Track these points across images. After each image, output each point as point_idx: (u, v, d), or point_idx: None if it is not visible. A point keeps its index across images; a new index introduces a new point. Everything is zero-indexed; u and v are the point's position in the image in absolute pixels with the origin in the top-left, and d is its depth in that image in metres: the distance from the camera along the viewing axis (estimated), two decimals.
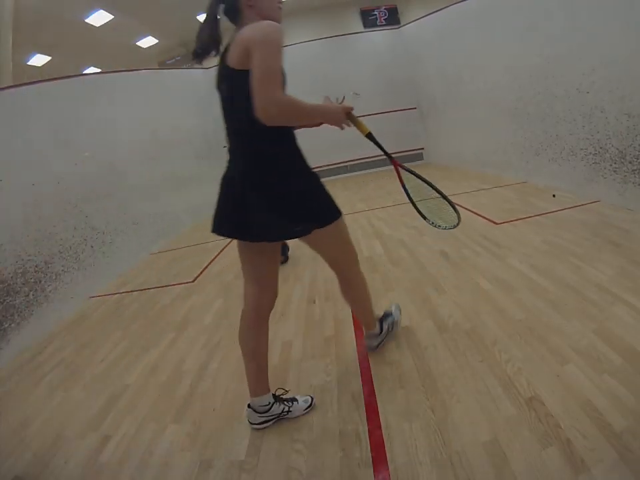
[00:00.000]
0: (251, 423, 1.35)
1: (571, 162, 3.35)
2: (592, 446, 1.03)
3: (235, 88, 1.10)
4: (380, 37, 6.91)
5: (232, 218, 1.20)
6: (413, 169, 1.50)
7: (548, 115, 3.53)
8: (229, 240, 4.23)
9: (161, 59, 9.58)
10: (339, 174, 7.03)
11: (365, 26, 8.92)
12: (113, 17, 7.05)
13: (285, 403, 1.36)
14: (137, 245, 4.25)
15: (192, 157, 5.77)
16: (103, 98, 4.21)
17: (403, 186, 1.54)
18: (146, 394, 1.71)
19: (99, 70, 8.21)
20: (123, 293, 3.22)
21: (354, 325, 1.92)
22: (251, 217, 1.15)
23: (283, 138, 1.17)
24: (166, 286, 3.16)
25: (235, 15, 1.15)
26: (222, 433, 1.38)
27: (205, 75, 6.85)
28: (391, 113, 6.72)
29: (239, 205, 1.16)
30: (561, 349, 1.44)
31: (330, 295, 2.32)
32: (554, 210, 3.03)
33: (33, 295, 2.82)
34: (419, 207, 1.53)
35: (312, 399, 1.41)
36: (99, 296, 3.27)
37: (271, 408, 1.32)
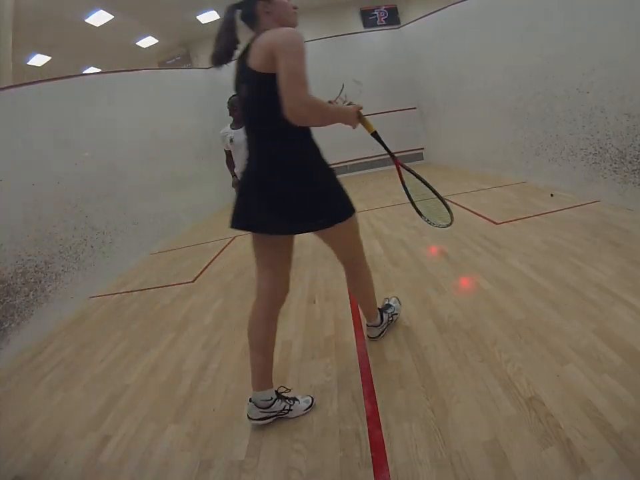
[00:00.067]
0: (250, 418, 1.34)
1: (571, 162, 3.35)
2: (592, 446, 1.03)
3: (256, 89, 1.17)
4: (380, 36, 6.92)
5: (256, 212, 1.23)
6: (412, 169, 1.56)
7: (548, 115, 3.53)
8: (229, 240, 4.25)
9: (161, 59, 9.59)
10: (339, 174, 6.90)
11: (365, 26, 8.92)
12: (113, 16, 7.06)
13: (287, 400, 1.37)
14: (137, 245, 4.25)
15: (192, 156, 5.78)
16: (103, 98, 4.21)
17: (404, 185, 1.59)
18: (146, 394, 1.71)
19: (99, 70, 8.21)
20: (123, 292, 3.22)
21: (354, 325, 1.92)
22: (277, 211, 1.20)
23: (304, 137, 1.23)
24: (166, 286, 3.16)
25: (253, 21, 1.22)
26: (222, 432, 1.38)
27: (205, 75, 6.86)
28: (390, 113, 6.72)
29: (264, 199, 1.20)
30: (561, 348, 1.44)
31: (330, 295, 2.32)
32: (554, 210, 3.03)
33: (33, 295, 2.82)
34: (417, 206, 1.59)
35: (312, 399, 1.41)
36: (98, 296, 3.27)
37: (272, 404, 1.33)
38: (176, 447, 1.35)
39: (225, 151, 2.95)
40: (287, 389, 1.42)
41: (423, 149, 7.03)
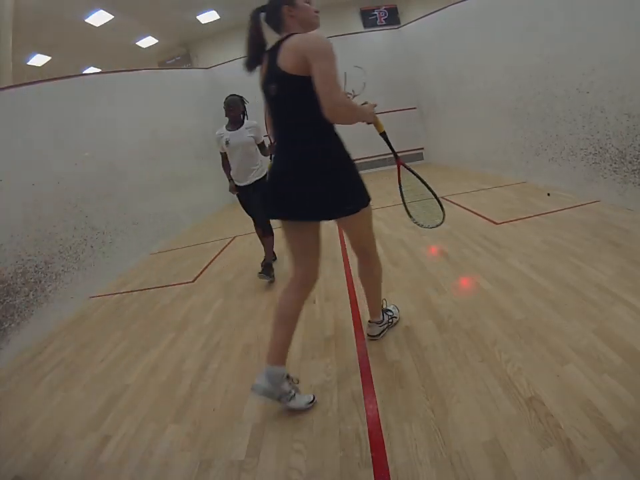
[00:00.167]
0: (255, 390, 1.34)
1: (571, 162, 3.35)
2: (592, 446, 1.03)
3: (288, 89, 1.26)
4: (380, 37, 6.91)
5: (293, 201, 1.32)
6: (413, 170, 1.63)
7: (548, 115, 3.53)
8: (229, 240, 4.25)
9: (161, 59, 9.59)
10: None
11: (365, 26, 8.92)
12: (113, 16, 7.06)
13: (293, 386, 1.40)
14: (137, 245, 4.25)
15: (192, 156, 5.78)
16: (103, 98, 4.22)
17: (400, 186, 1.66)
18: (146, 394, 1.71)
19: (99, 70, 8.21)
20: (123, 292, 3.22)
21: (354, 325, 1.92)
22: (312, 199, 1.29)
23: (331, 132, 1.33)
24: (166, 286, 3.16)
25: (278, 23, 1.31)
26: (222, 432, 1.38)
27: (205, 75, 6.87)
28: (390, 113, 6.70)
29: (300, 189, 1.29)
30: (561, 348, 1.44)
31: (330, 295, 2.32)
32: (554, 210, 3.03)
33: (33, 295, 2.82)
34: (412, 207, 1.68)
35: (314, 397, 1.42)
36: (99, 296, 3.27)
37: (282, 382, 1.36)
38: (176, 447, 1.35)
39: (221, 153, 2.81)
40: (297, 380, 1.45)
41: (422, 149, 7.03)
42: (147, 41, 8.81)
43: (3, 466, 1.43)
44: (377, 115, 1.47)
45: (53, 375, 2.07)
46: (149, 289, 3.18)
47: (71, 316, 2.94)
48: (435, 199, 1.63)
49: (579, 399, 1.19)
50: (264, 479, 1.17)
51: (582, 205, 3.01)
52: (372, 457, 1.16)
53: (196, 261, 3.70)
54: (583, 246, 2.29)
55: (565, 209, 3.00)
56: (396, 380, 1.47)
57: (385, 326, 1.76)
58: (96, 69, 8.57)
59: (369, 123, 1.46)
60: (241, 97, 2.70)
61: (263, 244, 2.86)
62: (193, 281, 3.13)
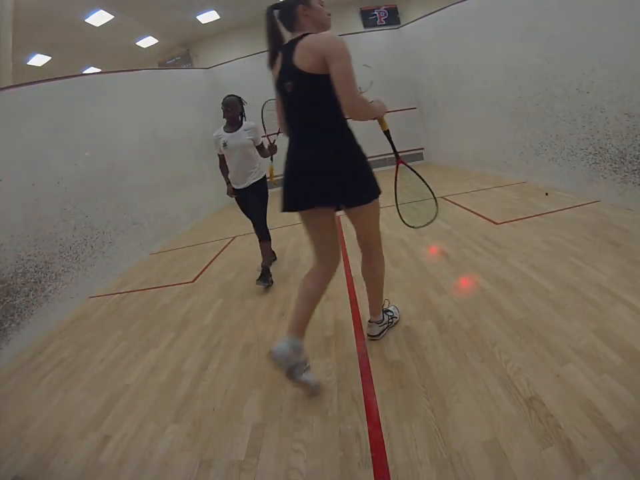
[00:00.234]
0: (272, 351, 1.37)
1: (571, 162, 3.35)
2: (592, 446, 1.03)
3: (305, 87, 1.32)
4: (380, 36, 6.91)
5: (313, 191, 1.39)
6: (413, 169, 1.65)
7: (548, 115, 3.53)
8: (229, 240, 4.25)
9: (161, 59, 9.59)
10: None
11: (365, 26, 8.93)
12: (113, 17, 7.06)
13: (306, 359, 1.45)
14: (137, 245, 4.25)
15: (192, 157, 5.78)
16: (103, 98, 4.22)
17: (395, 185, 1.69)
18: (146, 394, 1.71)
19: (99, 70, 8.21)
20: (123, 293, 3.22)
21: (354, 325, 1.92)
22: (331, 187, 1.37)
23: (345, 126, 1.40)
24: (166, 286, 3.16)
25: (292, 22, 1.36)
26: (222, 433, 1.38)
27: (205, 75, 6.87)
28: (390, 113, 6.68)
29: (319, 180, 1.36)
30: (561, 348, 1.44)
31: (330, 295, 2.31)
32: (554, 210, 3.03)
33: (33, 295, 2.82)
34: (408, 207, 1.70)
35: (319, 385, 1.48)
36: (98, 296, 3.27)
37: (299, 352, 1.40)
38: (176, 447, 1.36)
39: (218, 155, 2.73)
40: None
41: (422, 149, 7.03)
42: (147, 41, 8.81)
43: (3, 466, 1.43)
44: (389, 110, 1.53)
45: (52, 374, 2.07)
46: (149, 289, 3.18)
47: (70, 316, 2.94)
48: (433, 199, 1.64)
49: (578, 399, 1.19)
50: (264, 479, 1.17)
51: (582, 205, 3.01)
52: (372, 456, 1.16)
53: (196, 260, 3.71)
54: (583, 246, 2.29)
55: (565, 208, 3.00)
56: (396, 380, 1.47)
57: (385, 326, 1.76)
58: (96, 68, 8.57)
59: (376, 119, 1.51)
60: (239, 97, 2.66)
61: (261, 248, 2.79)
62: (193, 281, 3.13)
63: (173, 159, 5.34)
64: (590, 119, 3.01)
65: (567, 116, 3.26)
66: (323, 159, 1.36)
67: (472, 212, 3.42)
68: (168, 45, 9.22)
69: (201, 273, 3.31)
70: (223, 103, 2.59)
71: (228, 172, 2.73)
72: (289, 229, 4.18)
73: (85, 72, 7.92)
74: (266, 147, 2.69)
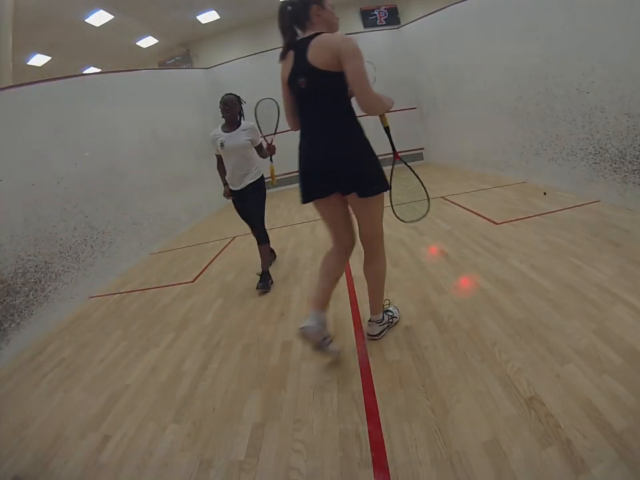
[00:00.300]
0: (304, 328, 1.48)
1: (571, 162, 3.35)
2: (592, 446, 1.03)
3: (317, 83, 1.39)
4: (380, 36, 6.91)
5: (325, 181, 1.48)
6: (407, 163, 1.72)
7: (548, 115, 3.53)
8: (229, 240, 4.25)
9: (161, 59, 9.60)
10: None
11: (365, 26, 8.93)
12: (113, 17, 7.06)
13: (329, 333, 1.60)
14: (137, 245, 4.25)
15: (192, 157, 5.78)
16: (103, 98, 4.22)
17: (390, 179, 1.71)
18: (146, 394, 1.71)
19: (99, 70, 8.21)
20: (123, 293, 3.22)
21: (354, 325, 1.92)
22: (342, 177, 1.45)
23: (356, 121, 1.47)
24: (166, 286, 3.16)
25: (304, 20, 1.42)
26: (222, 433, 1.38)
27: (205, 75, 6.86)
28: (390, 113, 6.70)
29: (330, 169, 1.45)
30: (561, 348, 1.45)
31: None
32: (554, 210, 3.03)
33: (33, 295, 2.83)
34: (406, 200, 1.77)
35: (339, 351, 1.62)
36: (98, 296, 3.27)
37: (325, 326, 1.54)
38: (176, 447, 1.36)
39: (216, 155, 2.67)
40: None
41: (422, 149, 7.03)
42: (147, 41, 8.81)
43: (3, 466, 1.43)
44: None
45: (53, 374, 2.07)
46: (148, 289, 3.18)
47: (70, 316, 2.94)
48: (424, 192, 1.70)
49: (578, 399, 1.19)
50: (264, 479, 1.17)
51: (582, 205, 3.01)
52: (372, 456, 1.16)
53: (196, 261, 3.71)
54: (583, 246, 2.29)
55: (565, 209, 3.00)
56: (396, 380, 1.47)
57: (385, 326, 1.76)
58: (96, 68, 8.58)
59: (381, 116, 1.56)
60: (238, 96, 2.60)
61: (259, 251, 2.69)
62: (193, 281, 3.13)
63: (173, 159, 5.34)
64: (590, 119, 3.01)
65: (567, 116, 3.26)
66: (336, 151, 1.43)
67: (472, 212, 3.42)
68: (168, 44, 9.23)
69: (201, 273, 3.31)
70: (221, 102, 2.53)
71: (225, 173, 2.67)
72: (288, 229, 4.18)
73: (84, 72, 7.92)
74: (264, 147, 2.63)
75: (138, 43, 8.74)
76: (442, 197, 4.16)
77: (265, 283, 2.57)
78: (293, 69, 1.43)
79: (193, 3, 7.47)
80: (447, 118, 5.87)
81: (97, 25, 7.14)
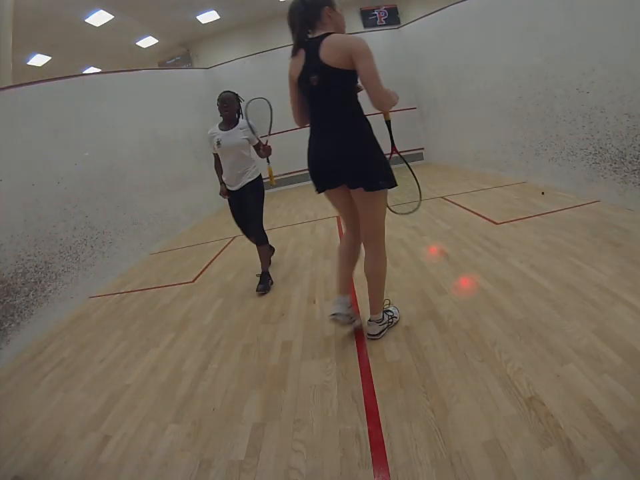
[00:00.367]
0: (337, 315, 1.68)
1: (571, 162, 3.35)
2: (592, 446, 1.03)
3: (330, 80, 1.45)
4: (380, 36, 6.91)
5: (335, 173, 1.55)
6: (403, 157, 1.79)
7: (548, 115, 3.53)
8: (229, 240, 4.24)
9: (161, 59, 9.59)
10: None
11: (365, 26, 8.93)
12: (113, 17, 7.06)
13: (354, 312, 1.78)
14: (137, 245, 4.25)
15: (192, 157, 5.77)
16: (103, 98, 4.22)
17: None
18: (146, 394, 1.71)
19: (99, 70, 8.21)
20: (123, 293, 3.22)
21: None
22: (351, 171, 1.50)
23: (364, 116, 1.54)
24: (166, 286, 3.16)
25: (315, 19, 1.47)
26: (222, 432, 1.38)
27: (205, 75, 6.86)
28: (391, 113, 6.71)
29: (340, 164, 1.51)
30: (561, 348, 1.45)
31: (330, 295, 2.32)
32: (554, 210, 3.03)
33: (33, 295, 2.83)
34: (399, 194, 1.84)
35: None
36: (98, 296, 3.27)
37: (351, 307, 1.72)
38: (176, 447, 1.36)
39: (213, 153, 2.63)
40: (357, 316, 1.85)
41: (422, 149, 7.03)
42: (147, 41, 8.81)
43: (3, 466, 1.43)
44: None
45: (53, 374, 2.07)
46: (148, 289, 3.18)
47: (70, 316, 2.94)
48: (417, 185, 1.78)
49: (578, 399, 1.19)
50: (264, 479, 1.17)
51: (582, 205, 3.01)
52: (372, 456, 1.16)
53: (196, 261, 3.71)
54: (583, 246, 2.29)
55: (565, 209, 3.00)
56: (396, 380, 1.47)
57: (385, 325, 1.76)
58: (96, 68, 8.58)
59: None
60: (236, 93, 2.55)
61: (258, 252, 2.64)
62: (193, 281, 3.13)
63: (173, 159, 5.34)
64: (590, 119, 3.01)
65: (567, 116, 3.26)
66: (344, 148, 1.49)
67: (472, 212, 3.42)
68: (168, 44, 9.23)
69: (201, 273, 3.31)
70: (218, 99, 2.48)
71: (222, 172, 2.62)
72: (288, 228, 4.18)
73: (85, 72, 7.92)
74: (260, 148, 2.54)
75: (138, 43, 8.74)
76: (442, 197, 4.16)
77: (265, 284, 2.57)
78: (305, 67, 1.47)
79: (193, 2, 7.46)
80: (447, 118, 5.87)
81: (97, 25, 7.14)
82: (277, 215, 5.03)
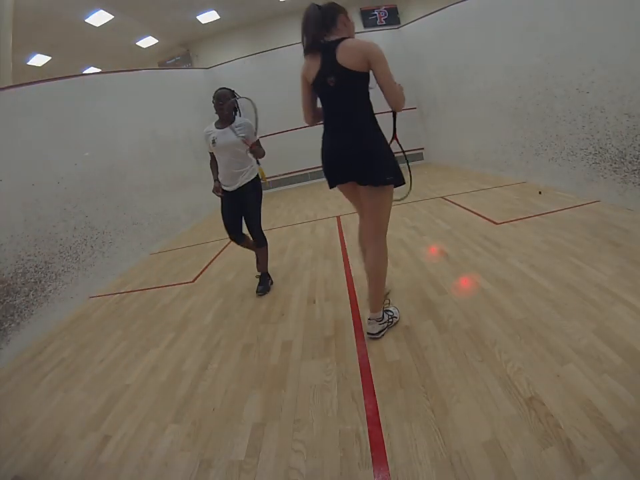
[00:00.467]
0: (373, 335, 1.73)
1: (571, 162, 3.35)
2: (592, 446, 1.03)
3: (346, 82, 1.53)
4: (380, 36, 6.90)
5: (348, 169, 1.63)
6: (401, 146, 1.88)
7: (548, 115, 3.53)
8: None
9: (161, 59, 9.59)
10: None
11: (365, 26, 8.93)
12: (113, 17, 7.05)
13: (387, 311, 1.81)
14: (137, 245, 4.25)
15: (192, 157, 5.77)
16: (103, 98, 4.21)
17: None
18: (146, 394, 1.71)
19: (99, 70, 8.21)
20: (123, 293, 3.22)
21: (354, 325, 1.92)
22: (362, 166, 1.58)
23: (374, 118, 1.61)
24: (166, 286, 3.16)
25: (330, 25, 1.56)
26: (222, 432, 1.38)
27: (205, 75, 6.86)
28: (390, 113, 6.72)
29: (352, 159, 1.58)
30: (561, 348, 1.45)
31: (330, 295, 2.32)
32: (554, 210, 3.03)
33: (33, 295, 2.82)
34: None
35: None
36: (98, 296, 3.27)
37: (383, 318, 1.75)
38: (176, 447, 1.36)
39: (210, 152, 2.51)
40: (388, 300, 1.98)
41: (422, 148, 7.03)
42: (147, 41, 8.80)
43: (3, 466, 1.43)
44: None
45: (53, 374, 2.07)
46: (149, 289, 3.18)
47: (70, 316, 2.94)
48: (408, 172, 1.86)
49: (578, 399, 1.19)
50: (264, 479, 1.17)
51: (582, 205, 3.01)
52: (372, 456, 1.16)
53: (196, 261, 3.71)
54: (583, 246, 2.29)
55: (565, 208, 3.00)
56: (396, 380, 1.47)
57: (385, 325, 1.76)
58: (96, 68, 8.57)
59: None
60: (232, 90, 2.44)
61: (256, 254, 2.60)
62: (193, 281, 3.13)
63: (173, 159, 5.34)
64: (590, 119, 3.01)
65: (567, 116, 3.26)
66: (357, 143, 1.57)
67: (472, 212, 3.42)
68: (168, 44, 9.22)
69: (201, 272, 3.31)
70: (214, 97, 2.36)
71: (217, 170, 2.51)
72: (288, 229, 4.18)
73: (85, 72, 7.92)
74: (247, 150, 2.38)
75: (138, 43, 8.73)
76: (442, 197, 4.16)
77: (264, 285, 2.56)
78: (321, 69, 1.55)
79: (193, 2, 7.46)
80: (447, 118, 5.87)
81: (97, 25, 7.14)
82: (277, 215, 5.03)
